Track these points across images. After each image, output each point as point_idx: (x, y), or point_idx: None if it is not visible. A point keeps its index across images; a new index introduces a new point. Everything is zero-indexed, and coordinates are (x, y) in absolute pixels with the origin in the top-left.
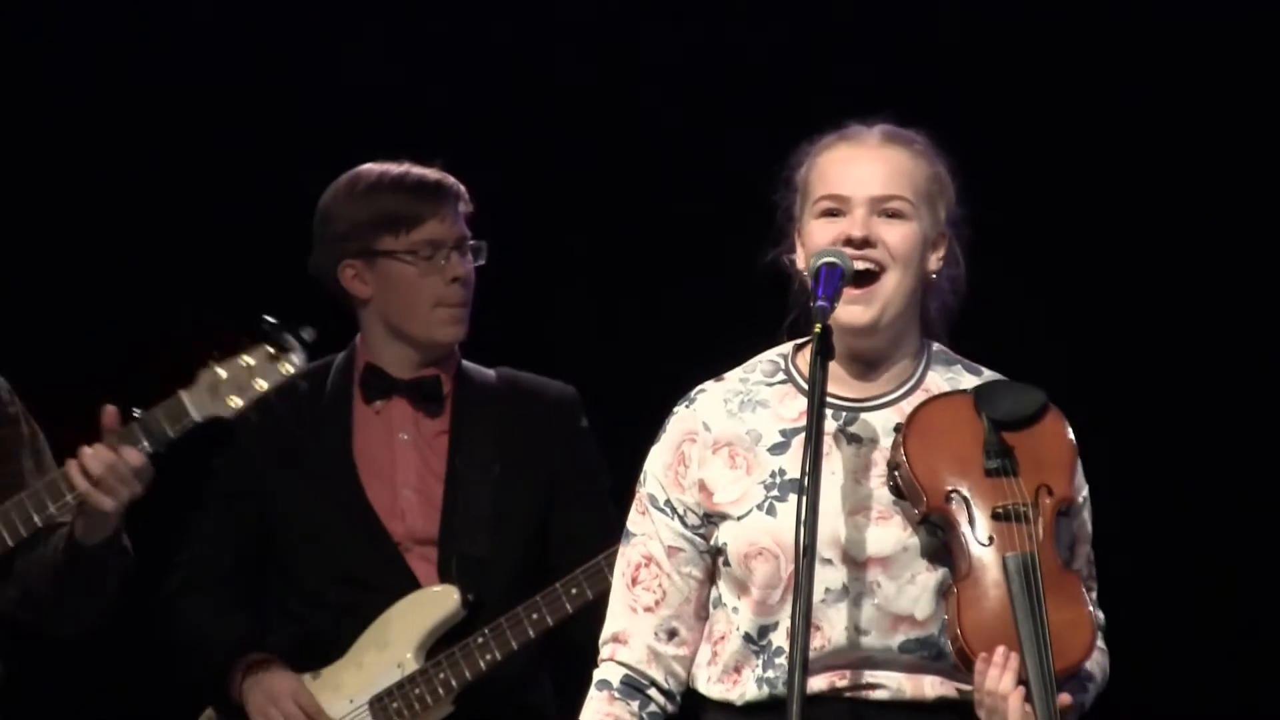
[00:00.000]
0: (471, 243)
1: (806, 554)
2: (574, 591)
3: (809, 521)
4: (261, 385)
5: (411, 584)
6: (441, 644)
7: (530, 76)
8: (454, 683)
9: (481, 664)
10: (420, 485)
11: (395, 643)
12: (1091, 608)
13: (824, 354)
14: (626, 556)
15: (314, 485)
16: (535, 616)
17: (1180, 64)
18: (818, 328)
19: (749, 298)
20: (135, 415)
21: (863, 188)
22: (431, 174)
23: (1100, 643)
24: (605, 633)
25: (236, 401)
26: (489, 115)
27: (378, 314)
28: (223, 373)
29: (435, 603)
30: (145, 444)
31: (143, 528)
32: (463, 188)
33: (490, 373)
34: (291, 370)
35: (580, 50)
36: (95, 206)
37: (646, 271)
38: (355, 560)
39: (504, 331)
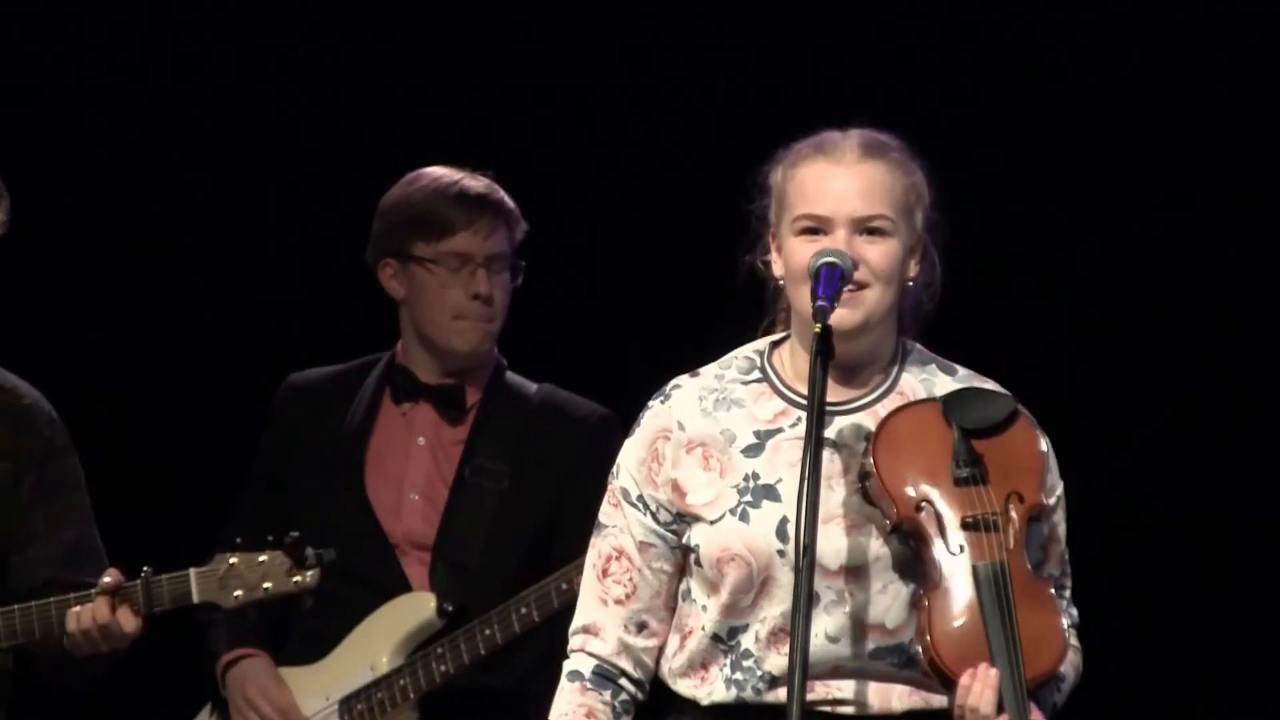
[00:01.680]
0: (512, 262)
1: (806, 553)
2: (523, 612)
3: (809, 521)
4: (268, 588)
5: (404, 586)
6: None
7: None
8: (411, 691)
9: (436, 675)
10: (428, 490)
11: (373, 645)
12: (1061, 614)
13: (824, 354)
14: (598, 548)
15: (324, 480)
16: (488, 633)
17: (1180, 62)
18: (818, 328)
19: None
20: (144, 574)
21: (843, 207)
22: (478, 186)
23: (1074, 640)
24: (575, 623)
25: (239, 595)
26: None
27: (409, 316)
28: (236, 565)
29: (412, 609)
30: (140, 605)
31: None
32: (511, 205)
33: (532, 387)
34: (303, 585)
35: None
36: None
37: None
38: (355, 558)
39: (541, 346)
